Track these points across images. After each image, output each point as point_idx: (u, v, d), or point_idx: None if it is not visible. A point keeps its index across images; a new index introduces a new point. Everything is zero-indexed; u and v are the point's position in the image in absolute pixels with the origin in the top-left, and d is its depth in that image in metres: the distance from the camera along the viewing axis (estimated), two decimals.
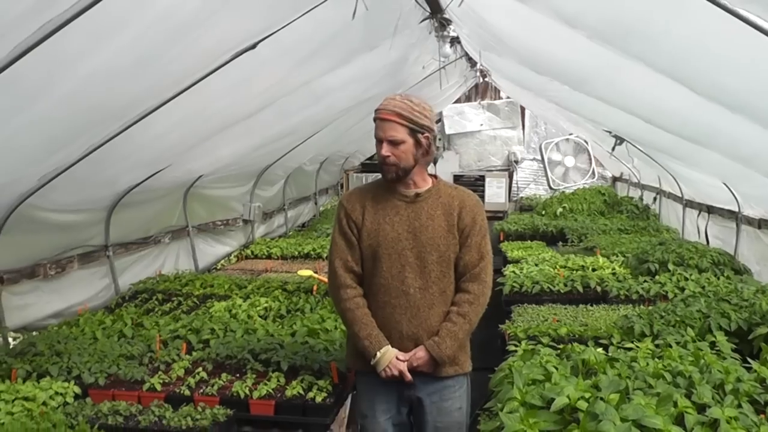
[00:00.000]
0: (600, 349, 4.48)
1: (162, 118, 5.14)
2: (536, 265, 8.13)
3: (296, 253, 9.61)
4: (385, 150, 3.82)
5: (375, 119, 3.85)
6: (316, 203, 14.17)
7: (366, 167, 15.51)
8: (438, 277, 3.93)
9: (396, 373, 3.87)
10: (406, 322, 3.92)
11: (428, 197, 3.97)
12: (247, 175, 10.07)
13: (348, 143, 12.72)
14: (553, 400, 3.45)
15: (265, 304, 6.51)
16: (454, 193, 4.02)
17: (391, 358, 3.87)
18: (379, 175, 4.03)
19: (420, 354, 3.87)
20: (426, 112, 3.84)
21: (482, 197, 14.23)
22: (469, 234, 3.94)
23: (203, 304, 6.77)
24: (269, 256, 9.69)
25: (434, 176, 4.09)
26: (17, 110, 3.93)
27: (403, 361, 3.88)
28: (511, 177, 15.21)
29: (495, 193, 14.56)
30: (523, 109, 15.24)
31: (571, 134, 14.64)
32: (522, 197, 15.07)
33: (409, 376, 3.88)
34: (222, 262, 9.75)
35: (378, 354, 3.87)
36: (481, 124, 15.36)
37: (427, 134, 3.85)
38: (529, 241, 10.32)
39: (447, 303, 3.97)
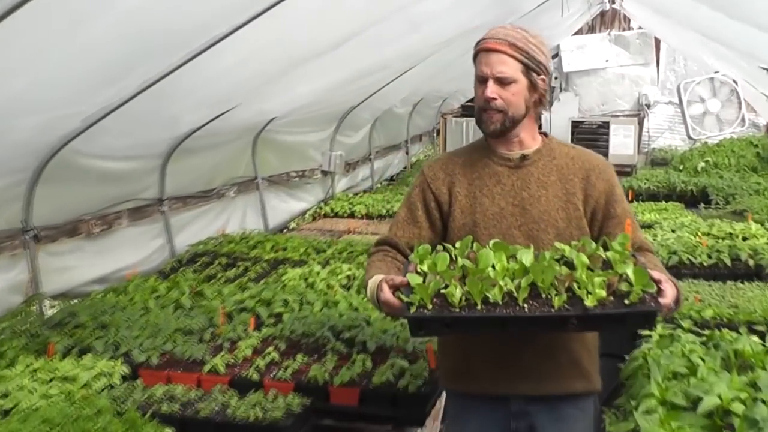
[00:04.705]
0: (755, 338, 4.33)
1: (233, 48, 5.11)
2: (673, 231, 8.05)
3: (383, 211, 9.63)
4: (491, 90, 3.33)
5: (477, 53, 3.42)
6: (407, 152, 14.18)
7: (467, 110, 15.19)
8: None
9: (388, 297, 3.16)
10: None
11: (538, 159, 3.52)
12: (328, 117, 10.09)
13: (447, 81, 12.63)
14: (699, 399, 3.34)
15: (348, 272, 6.50)
16: (573, 153, 3.56)
17: (377, 282, 3.26)
18: None
19: (668, 290, 3.00)
20: (543, 47, 3.39)
21: (606, 148, 13.97)
22: (611, 203, 3.49)
23: (274, 270, 6.78)
24: (352, 215, 9.74)
25: (544, 133, 3.62)
26: (61, 37, 3.90)
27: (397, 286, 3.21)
28: (641, 124, 14.91)
29: (621, 143, 14.22)
30: (657, 42, 14.94)
31: (716, 72, 14.31)
32: (654, 149, 14.86)
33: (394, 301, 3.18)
34: (296, 220, 9.81)
35: (369, 283, 3.36)
36: (607, 60, 15.10)
37: (543, 76, 3.39)
38: (663, 202, 10.19)
39: None
